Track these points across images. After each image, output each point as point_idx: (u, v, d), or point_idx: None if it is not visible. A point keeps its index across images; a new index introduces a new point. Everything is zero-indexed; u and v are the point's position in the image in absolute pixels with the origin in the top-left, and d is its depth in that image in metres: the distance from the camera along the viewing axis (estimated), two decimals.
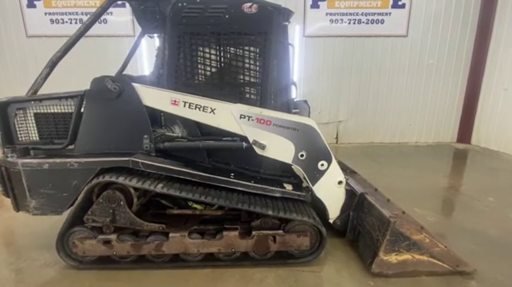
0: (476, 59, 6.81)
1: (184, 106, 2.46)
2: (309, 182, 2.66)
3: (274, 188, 2.56)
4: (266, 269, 2.51)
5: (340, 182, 2.69)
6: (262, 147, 2.51)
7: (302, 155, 2.57)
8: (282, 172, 2.78)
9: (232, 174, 2.57)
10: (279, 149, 2.56)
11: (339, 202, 2.77)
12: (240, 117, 2.48)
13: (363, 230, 2.68)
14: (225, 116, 2.49)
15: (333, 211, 2.79)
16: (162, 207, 2.74)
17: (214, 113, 2.47)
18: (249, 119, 2.49)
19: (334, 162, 2.63)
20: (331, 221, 2.82)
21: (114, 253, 2.43)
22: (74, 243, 2.41)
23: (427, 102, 7.16)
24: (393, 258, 2.37)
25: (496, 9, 6.42)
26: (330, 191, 2.70)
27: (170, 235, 2.41)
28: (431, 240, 2.39)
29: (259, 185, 2.52)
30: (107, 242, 2.39)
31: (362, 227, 2.69)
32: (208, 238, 2.46)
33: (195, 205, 2.71)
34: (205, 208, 2.72)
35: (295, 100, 3.02)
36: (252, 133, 2.52)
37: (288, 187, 2.64)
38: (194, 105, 2.46)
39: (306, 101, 3.27)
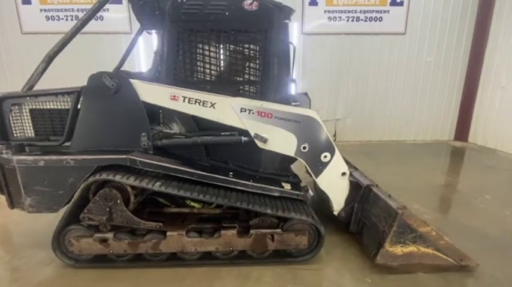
0: (474, 57, 6.83)
1: (184, 101, 2.43)
2: (313, 175, 2.64)
3: (273, 187, 2.55)
4: (264, 267, 2.51)
5: (343, 174, 2.66)
6: (264, 140, 2.49)
7: (304, 148, 2.55)
8: (280, 171, 2.77)
9: (231, 173, 2.55)
10: (281, 142, 2.53)
11: (343, 193, 2.74)
12: (241, 111, 2.46)
13: (368, 222, 2.66)
14: (225, 110, 2.46)
15: (338, 203, 2.77)
16: (160, 205, 2.72)
17: (214, 107, 2.45)
18: (249, 113, 2.46)
19: (337, 153, 2.61)
20: (335, 213, 2.80)
21: (111, 251, 2.41)
22: (70, 241, 2.38)
23: (425, 100, 7.18)
24: (399, 250, 2.36)
25: (493, 7, 6.43)
26: (334, 182, 2.68)
27: (168, 233, 2.39)
28: (437, 233, 2.37)
29: (258, 185, 2.51)
30: (104, 241, 2.37)
31: (367, 219, 2.67)
32: (206, 236, 2.45)
33: (193, 204, 2.69)
34: (203, 206, 2.70)
35: (295, 93, 2.99)
36: (253, 127, 2.49)
37: (287, 186, 2.63)
38: (194, 100, 2.43)
39: (306, 94, 3.24)
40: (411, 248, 2.37)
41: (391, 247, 2.35)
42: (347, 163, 2.77)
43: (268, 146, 2.54)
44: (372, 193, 2.68)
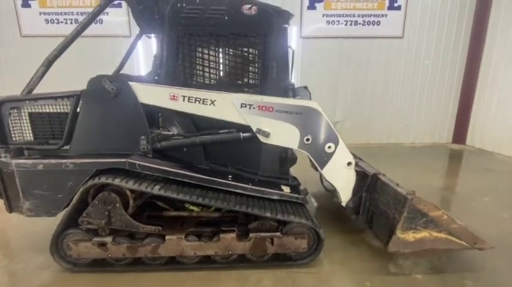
0: (471, 60, 6.89)
1: (184, 100, 2.43)
2: (318, 166, 2.63)
3: (272, 190, 2.54)
4: (263, 271, 2.50)
5: (349, 164, 2.64)
6: (266, 135, 2.48)
7: (308, 139, 2.54)
8: (280, 174, 2.76)
9: (230, 176, 2.55)
10: (283, 135, 2.52)
11: (350, 183, 2.72)
12: (241, 107, 2.46)
13: (377, 211, 2.63)
14: (225, 106, 2.46)
15: (345, 194, 2.75)
16: (159, 209, 2.71)
17: (214, 104, 2.45)
18: (250, 108, 2.46)
19: (341, 143, 2.60)
20: (343, 204, 2.78)
21: (110, 255, 2.39)
22: (68, 245, 2.37)
23: (423, 103, 7.23)
24: (410, 236, 2.31)
25: (490, 10, 6.50)
26: (340, 173, 2.66)
27: (166, 237, 2.38)
28: (449, 217, 2.32)
29: (257, 188, 2.51)
30: (102, 245, 2.36)
31: (376, 208, 2.64)
32: (205, 240, 2.44)
33: (192, 207, 2.68)
34: (202, 209, 2.70)
35: (295, 87, 2.99)
36: (255, 121, 2.49)
37: (286, 189, 2.63)
38: (193, 98, 2.43)
39: (306, 87, 3.24)
40: (423, 234, 2.30)
41: (402, 233, 2.29)
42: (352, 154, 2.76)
43: (271, 141, 2.52)
44: (379, 181, 2.64)
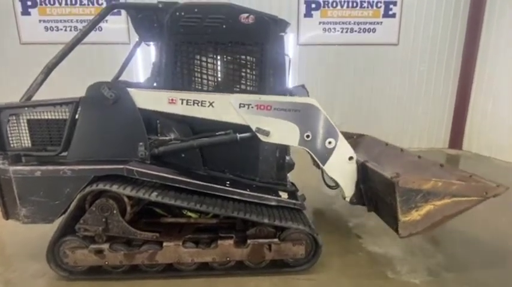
0: (466, 65, 6.97)
1: (182, 103, 2.45)
2: (319, 163, 2.63)
3: (269, 196, 2.55)
4: (261, 278, 2.49)
5: (350, 158, 2.64)
6: (266, 133, 2.50)
7: (308, 136, 2.54)
8: (277, 180, 2.77)
9: (228, 182, 2.56)
10: (283, 133, 2.53)
11: (353, 178, 2.70)
12: (240, 107, 2.48)
13: (378, 199, 2.61)
14: (224, 107, 2.48)
15: (348, 189, 2.75)
16: (156, 215, 2.71)
17: (213, 106, 2.47)
18: (248, 107, 2.48)
19: (341, 138, 2.60)
20: (347, 199, 2.77)
21: (106, 262, 2.38)
22: (65, 253, 2.36)
23: (419, 108, 7.29)
24: (415, 215, 2.24)
25: (483, 17, 6.62)
26: (342, 168, 2.66)
27: (164, 244, 2.37)
28: (444, 181, 2.24)
29: (255, 194, 2.51)
30: (99, 252, 2.35)
31: (376, 196, 2.62)
32: (203, 246, 2.43)
33: (189, 213, 2.68)
34: (200, 216, 2.69)
35: (292, 87, 3.02)
36: (254, 121, 2.50)
37: (284, 195, 2.64)
38: (192, 101, 2.45)
39: (303, 86, 3.25)
40: (427, 208, 2.23)
41: (405, 216, 2.23)
42: (349, 134, 2.70)
43: (271, 139, 2.54)
44: (368, 169, 2.60)
